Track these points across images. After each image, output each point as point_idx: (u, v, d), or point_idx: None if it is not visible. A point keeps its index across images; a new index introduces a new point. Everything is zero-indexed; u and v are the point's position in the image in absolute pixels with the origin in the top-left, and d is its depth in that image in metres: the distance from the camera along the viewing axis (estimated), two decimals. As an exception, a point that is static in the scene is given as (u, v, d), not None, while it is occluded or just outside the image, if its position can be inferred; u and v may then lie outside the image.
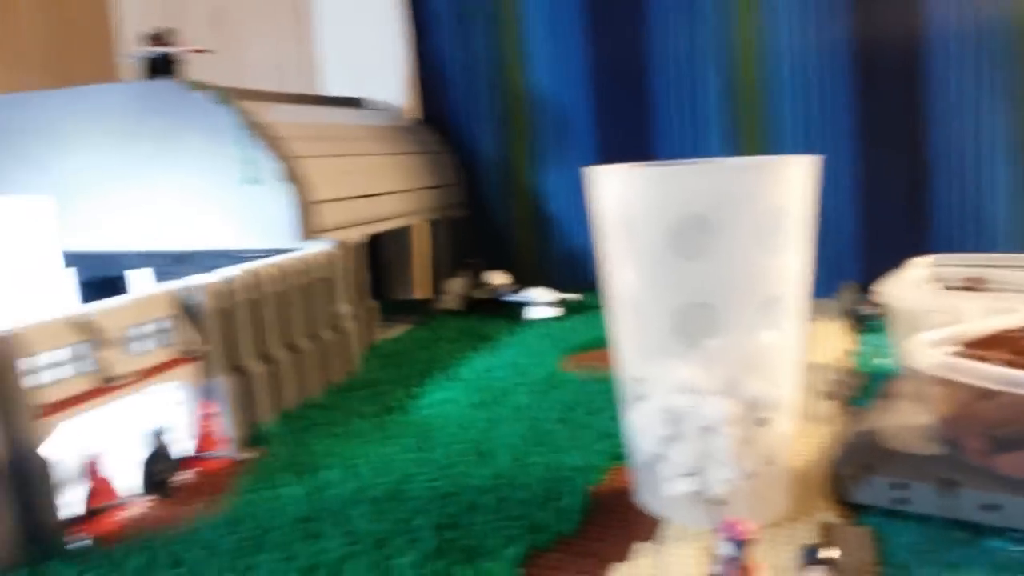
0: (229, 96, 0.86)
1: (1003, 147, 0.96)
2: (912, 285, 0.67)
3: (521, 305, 1.03)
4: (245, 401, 0.65)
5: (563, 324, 0.96)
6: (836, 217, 1.05)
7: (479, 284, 1.07)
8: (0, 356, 0.45)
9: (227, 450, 0.61)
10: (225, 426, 0.62)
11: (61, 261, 0.73)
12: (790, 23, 1.02)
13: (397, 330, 0.99)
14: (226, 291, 0.64)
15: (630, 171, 0.48)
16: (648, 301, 0.47)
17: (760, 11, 1.03)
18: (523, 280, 1.11)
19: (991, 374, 0.44)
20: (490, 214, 1.23)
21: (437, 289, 1.16)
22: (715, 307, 0.45)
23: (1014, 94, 0.94)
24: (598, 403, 0.67)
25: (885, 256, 0.81)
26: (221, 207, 0.86)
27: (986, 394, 0.46)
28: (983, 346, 0.51)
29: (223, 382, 0.62)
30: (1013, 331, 0.51)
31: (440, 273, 1.17)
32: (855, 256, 1.05)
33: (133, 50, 0.98)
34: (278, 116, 0.94)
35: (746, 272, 0.45)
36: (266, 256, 0.83)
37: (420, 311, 1.08)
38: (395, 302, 1.22)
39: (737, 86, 1.06)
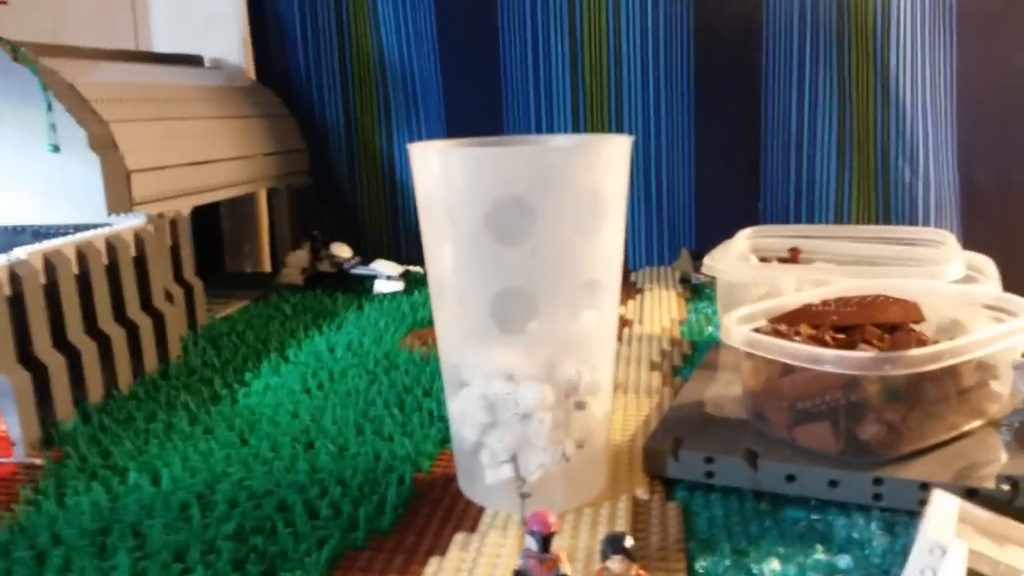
0: (29, 53, 0.77)
1: (830, 123, 1.01)
2: (733, 257, 0.69)
3: (366, 279, 0.99)
4: (39, 397, 0.58)
5: (410, 299, 0.94)
6: (674, 186, 1.08)
7: (323, 256, 1.02)
8: None
9: (15, 454, 0.55)
10: (13, 427, 0.56)
11: None
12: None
13: (232, 308, 0.93)
14: (15, 276, 0.57)
15: (448, 150, 0.46)
16: (468, 286, 0.46)
17: None
18: (370, 252, 1.07)
19: (788, 350, 0.46)
20: (335, 183, 1.18)
21: (278, 262, 1.10)
22: (534, 292, 0.44)
23: (840, 72, 0.99)
24: (436, 384, 0.66)
25: (719, 224, 0.84)
26: (21, 178, 0.77)
27: (787, 369, 0.48)
28: (788, 321, 0.53)
29: (11, 377, 0.56)
30: (816, 306, 0.53)
31: (281, 245, 1.11)
32: (691, 224, 1.09)
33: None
34: (94, 75, 0.84)
35: (566, 255, 0.44)
36: (69, 233, 0.75)
37: (260, 286, 1.02)
38: (234, 276, 1.15)
39: (583, 50, 1.06)
